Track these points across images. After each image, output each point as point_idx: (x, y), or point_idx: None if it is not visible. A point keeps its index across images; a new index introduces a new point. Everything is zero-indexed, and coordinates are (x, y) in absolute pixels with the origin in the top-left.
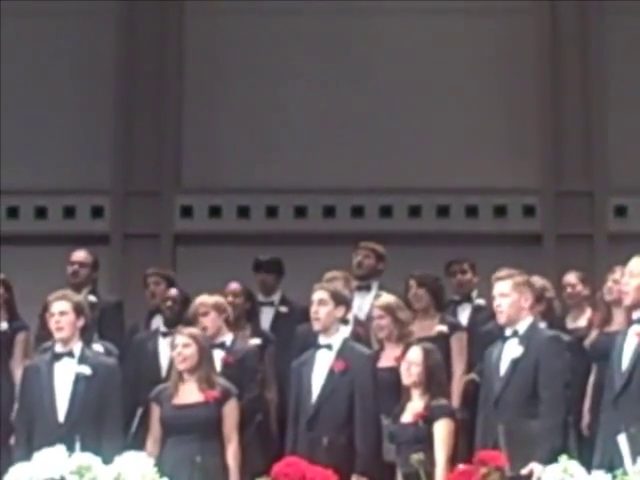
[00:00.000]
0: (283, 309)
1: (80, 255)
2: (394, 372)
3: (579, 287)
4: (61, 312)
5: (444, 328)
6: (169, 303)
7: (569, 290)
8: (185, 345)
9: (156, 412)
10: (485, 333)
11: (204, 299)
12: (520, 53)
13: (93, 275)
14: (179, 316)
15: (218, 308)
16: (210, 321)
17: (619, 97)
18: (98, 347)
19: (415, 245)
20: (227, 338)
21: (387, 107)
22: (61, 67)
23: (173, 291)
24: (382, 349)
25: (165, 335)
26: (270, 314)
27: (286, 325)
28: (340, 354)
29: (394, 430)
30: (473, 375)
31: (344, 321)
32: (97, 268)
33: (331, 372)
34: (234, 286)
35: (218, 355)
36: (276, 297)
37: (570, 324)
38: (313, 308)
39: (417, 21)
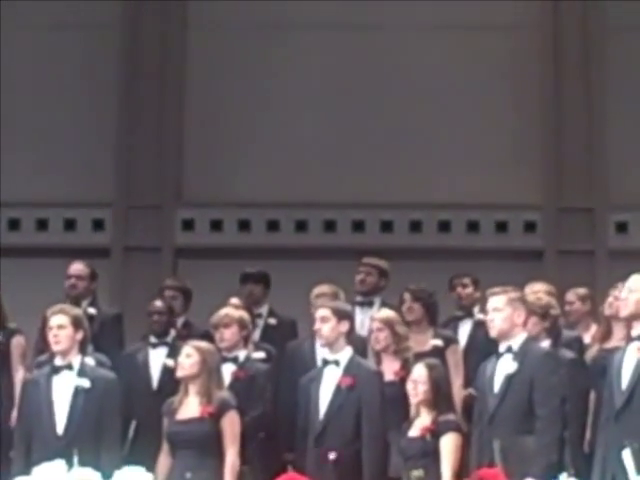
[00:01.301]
0: (272, 321)
1: (77, 268)
2: (395, 386)
3: (577, 305)
4: (59, 326)
5: (439, 342)
6: (155, 317)
7: (567, 308)
8: (187, 355)
9: (165, 426)
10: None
11: (230, 311)
12: (522, 69)
13: (92, 287)
14: (166, 325)
15: (241, 323)
16: (230, 334)
17: (620, 114)
18: (89, 360)
19: (416, 260)
20: (241, 354)
21: (388, 122)
22: (63, 80)
23: (158, 304)
24: (379, 363)
25: (155, 346)
26: (259, 326)
27: (275, 337)
28: (347, 370)
29: (401, 445)
30: (471, 390)
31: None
32: (95, 279)
33: (338, 388)
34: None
35: (229, 369)
36: (264, 309)
37: None
38: (316, 325)
39: (418, 37)
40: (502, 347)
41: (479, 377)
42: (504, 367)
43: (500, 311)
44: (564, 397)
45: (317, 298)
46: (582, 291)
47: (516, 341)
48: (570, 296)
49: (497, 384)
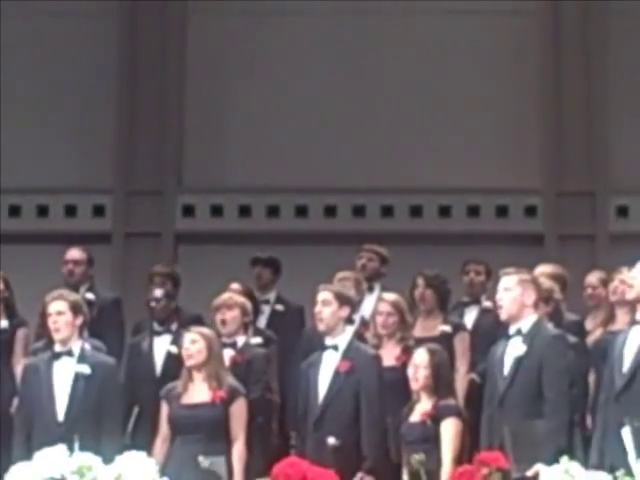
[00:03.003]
0: (279, 307)
1: (74, 254)
2: (396, 371)
3: (600, 289)
4: (58, 312)
5: (447, 328)
6: (152, 304)
7: (589, 291)
8: (193, 342)
9: (165, 411)
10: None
11: (234, 295)
12: (522, 54)
13: (89, 272)
14: (166, 310)
15: (243, 309)
16: (231, 317)
17: (620, 98)
18: (86, 345)
19: (416, 245)
20: (240, 339)
21: (388, 107)
22: (63, 66)
23: (157, 291)
24: (379, 347)
25: (159, 334)
26: (266, 312)
27: (282, 324)
28: (346, 355)
29: (402, 430)
30: (473, 375)
31: (350, 321)
32: (92, 264)
33: (337, 373)
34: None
35: (228, 354)
36: (272, 295)
37: (590, 324)
38: (317, 308)
39: (419, 22)
40: (512, 329)
41: (489, 360)
42: (513, 349)
43: (510, 291)
44: (572, 380)
45: (339, 283)
46: (602, 275)
47: (526, 323)
48: (593, 279)
49: (507, 366)
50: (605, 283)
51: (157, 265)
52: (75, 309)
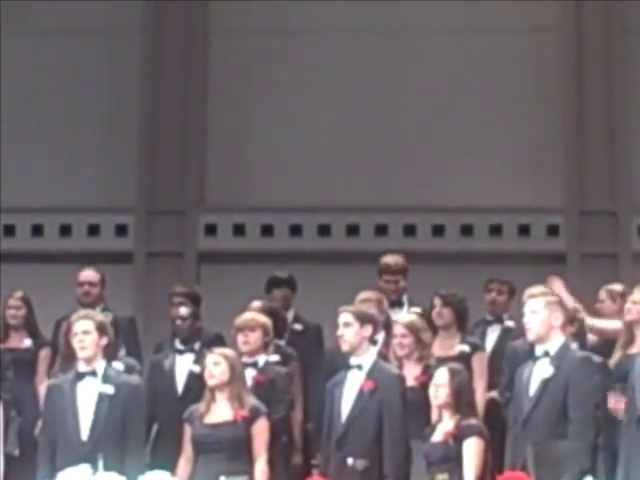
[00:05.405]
0: (297, 327)
1: (88, 274)
2: (415, 391)
3: (607, 302)
4: (84, 331)
5: (466, 348)
6: (178, 322)
7: (597, 305)
8: (215, 363)
9: (188, 432)
10: (511, 350)
11: (256, 315)
12: (544, 71)
13: (103, 292)
14: (190, 329)
15: (265, 329)
16: (254, 337)
17: None
18: (118, 365)
19: (438, 264)
20: (261, 359)
21: (410, 126)
22: (86, 85)
23: (183, 310)
24: (400, 368)
25: (181, 352)
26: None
27: (300, 343)
28: (370, 374)
29: (425, 449)
30: (494, 393)
31: (373, 341)
32: (105, 285)
33: (361, 392)
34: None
35: (249, 373)
36: (290, 314)
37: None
38: (339, 331)
39: (440, 39)
40: (539, 351)
41: (516, 381)
42: (541, 371)
43: (537, 313)
44: (598, 402)
45: (361, 304)
46: (612, 288)
47: (553, 345)
48: (601, 294)
49: (533, 388)
50: (613, 297)
51: (177, 285)
52: (101, 329)
